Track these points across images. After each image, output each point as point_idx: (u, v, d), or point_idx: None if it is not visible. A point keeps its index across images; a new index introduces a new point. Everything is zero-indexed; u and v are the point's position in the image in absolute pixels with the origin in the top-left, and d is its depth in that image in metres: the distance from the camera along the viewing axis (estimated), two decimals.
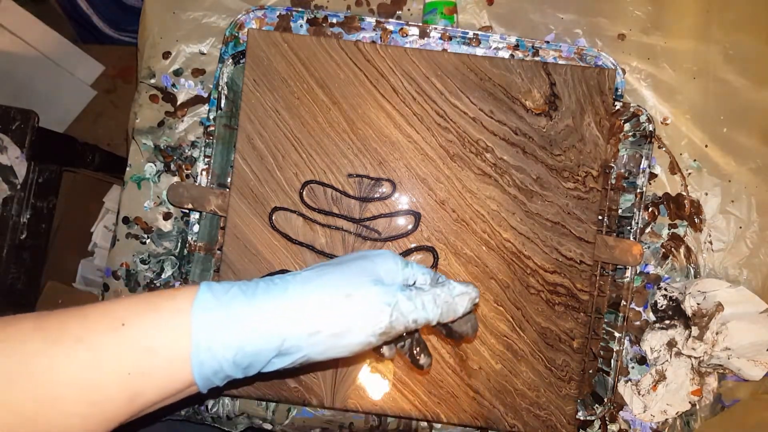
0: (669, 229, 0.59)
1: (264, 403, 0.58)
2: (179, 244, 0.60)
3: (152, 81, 0.61)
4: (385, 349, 0.38)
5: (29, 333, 0.27)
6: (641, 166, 0.55)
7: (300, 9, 0.58)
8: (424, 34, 0.57)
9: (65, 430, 0.27)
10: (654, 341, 0.56)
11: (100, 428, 0.28)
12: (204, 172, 0.55)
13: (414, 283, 0.35)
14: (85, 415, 0.27)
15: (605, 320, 0.56)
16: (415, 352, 0.38)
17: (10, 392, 0.26)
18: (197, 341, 0.28)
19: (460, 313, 0.34)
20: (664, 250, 0.59)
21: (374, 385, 0.52)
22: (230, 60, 0.56)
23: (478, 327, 0.39)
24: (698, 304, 0.55)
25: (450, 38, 0.57)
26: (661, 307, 0.57)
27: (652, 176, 0.59)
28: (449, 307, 0.33)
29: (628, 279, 0.54)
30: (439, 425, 0.57)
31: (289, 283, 0.31)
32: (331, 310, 0.30)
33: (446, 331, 0.38)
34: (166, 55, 0.61)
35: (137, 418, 0.29)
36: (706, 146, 0.59)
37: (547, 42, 0.57)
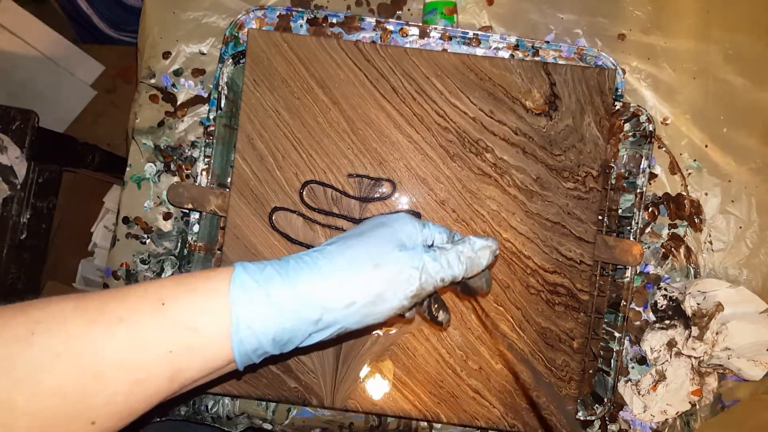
0: (669, 229, 0.59)
1: (264, 403, 0.58)
2: (179, 244, 0.60)
3: (152, 81, 0.61)
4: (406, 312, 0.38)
5: (70, 313, 0.27)
6: (641, 166, 0.55)
7: (300, 9, 0.58)
8: (424, 34, 0.57)
9: (109, 408, 0.27)
10: (654, 341, 0.56)
11: (142, 406, 0.28)
12: (204, 172, 0.55)
13: (432, 243, 0.36)
14: (128, 393, 0.27)
15: (605, 320, 0.56)
16: (433, 309, 0.39)
17: (56, 372, 0.26)
18: (237, 320, 0.29)
19: (483, 266, 0.36)
20: (664, 250, 0.59)
21: (374, 385, 0.52)
22: (230, 60, 0.56)
23: (492, 281, 0.40)
24: (698, 304, 0.55)
25: (450, 38, 0.57)
26: (661, 307, 0.57)
27: (652, 176, 0.59)
28: (473, 262, 0.35)
29: (628, 279, 0.54)
30: (439, 425, 0.57)
31: (318, 259, 0.32)
32: (363, 281, 0.31)
33: (462, 287, 0.38)
34: (166, 55, 0.61)
35: (144, 414, 0.30)
36: (706, 146, 0.59)
37: (547, 42, 0.57)
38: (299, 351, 0.35)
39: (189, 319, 0.29)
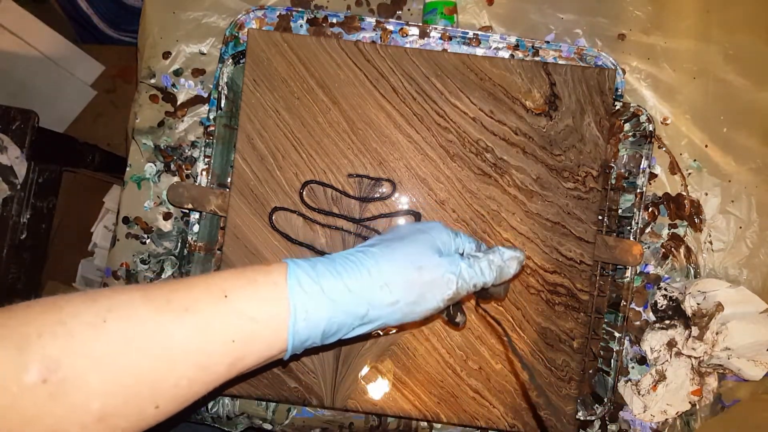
0: (669, 229, 0.59)
1: (264, 403, 0.58)
2: (179, 244, 0.60)
3: (152, 81, 0.61)
4: None
5: (139, 301, 0.29)
6: (641, 166, 0.55)
7: (300, 9, 0.58)
8: (424, 34, 0.57)
9: (174, 392, 0.29)
10: (654, 341, 0.56)
11: (201, 391, 0.30)
12: (204, 172, 0.55)
13: (463, 251, 0.39)
14: (193, 377, 0.29)
15: (605, 320, 0.56)
16: (451, 311, 0.40)
17: (129, 354, 0.27)
18: (295, 312, 0.31)
19: (511, 275, 0.38)
20: (664, 250, 0.59)
21: (374, 385, 0.52)
22: (230, 60, 0.56)
23: (509, 288, 0.42)
24: (698, 304, 0.55)
25: (450, 38, 0.57)
26: (661, 307, 0.57)
27: (652, 176, 0.59)
28: (502, 271, 0.38)
29: (628, 279, 0.54)
30: (439, 425, 0.57)
31: (364, 260, 0.34)
32: (406, 282, 0.34)
33: (480, 293, 0.40)
34: (166, 55, 0.61)
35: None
36: (706, 146, 0.59)
37: (547, 42, 0.57)
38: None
39: (250, 310, 0.30)
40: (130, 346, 0.27)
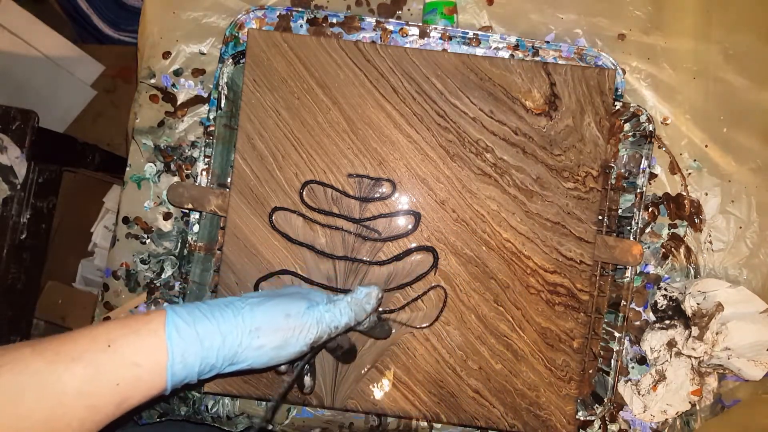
0: (669, 229, 0.59)
1: (264, 403, 0.58)
2: (179, 244, 0.60)
3: (152, 81, 0.61)
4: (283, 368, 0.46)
5: (29, 356, 0.32)
6: (641, 166, 0.55)
7: (300, 9, 0.58)
8: (424, 34, 0.57)
9: (68, 430, 0.32)
10: (654, 341, 0.56)
11: (93, 427, 0.34)
12: (204, 172, 0.55)
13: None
14: (83, 418, 0.32)
15: (605, 320, 0.56)
16: (303, 372, 0.46)
17: (23, 403, 0.31)
18: (173, 356, 0.35)
19: (369, 311, 0.43)
20: (664, 250, 0.59)
21: (374, 385, 0.52)
22: (230, 60, 0.56)
23: (390, 333, 0.49)
24: (698, 304, 0.55)
25: (450, 38, 0.57)
26: (661, 307, 0.57)
27: (652, 176, 0.59)
28: (359, 308, 0.43)
29: (628, 279, 0.54)
30: (439, 425, 0.57)
31: (241, 309, 0.39)
32: (274, 328, 0.38)
33: (341, 357, 0.48)
34: (166, 55, 0.61)
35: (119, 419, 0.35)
36: (706, 146, 0.59)
37: (547, 42, 0.57)
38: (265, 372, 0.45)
39: (133, 357, 0.34)
40: (25, 395, 0.31)
